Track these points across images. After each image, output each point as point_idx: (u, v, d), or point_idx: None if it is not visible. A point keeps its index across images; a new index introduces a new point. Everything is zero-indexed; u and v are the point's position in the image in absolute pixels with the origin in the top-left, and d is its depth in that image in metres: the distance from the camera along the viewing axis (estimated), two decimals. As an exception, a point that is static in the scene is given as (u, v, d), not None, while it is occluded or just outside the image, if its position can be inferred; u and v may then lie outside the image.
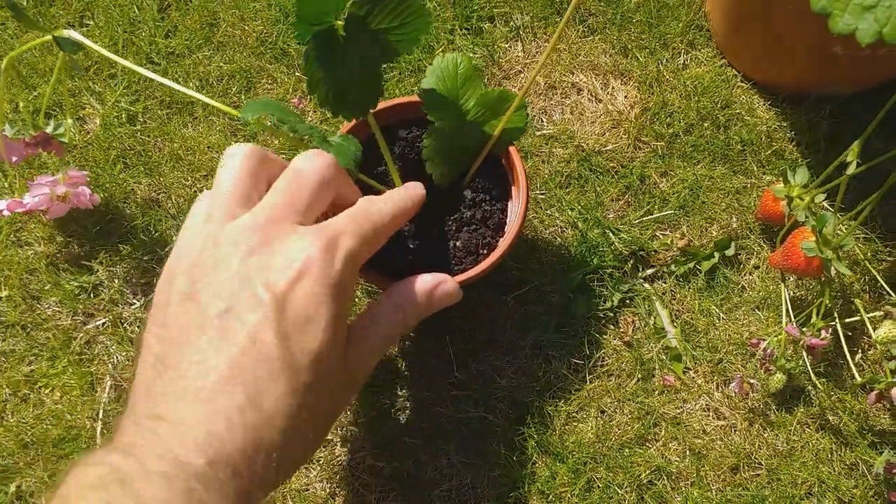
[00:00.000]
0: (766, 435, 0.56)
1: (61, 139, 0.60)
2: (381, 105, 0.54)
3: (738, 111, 0.67)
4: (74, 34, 0.54)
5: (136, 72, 0.71)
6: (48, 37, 0.53)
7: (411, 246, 0.53)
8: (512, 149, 0.54)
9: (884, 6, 0.37)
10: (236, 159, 0.41)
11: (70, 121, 0.61)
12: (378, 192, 0.54)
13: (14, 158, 0.58)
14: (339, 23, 0.44)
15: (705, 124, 0.67)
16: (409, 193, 0.47)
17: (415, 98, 0.54)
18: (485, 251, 0.53)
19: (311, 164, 0.42)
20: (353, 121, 0.54)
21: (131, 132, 0.68)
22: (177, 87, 0.50)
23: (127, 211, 0.65)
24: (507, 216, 0.55)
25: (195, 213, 0.40)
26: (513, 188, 0.55)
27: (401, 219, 0.45)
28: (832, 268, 0.52)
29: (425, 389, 0.58)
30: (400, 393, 0.58)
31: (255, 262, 0.37)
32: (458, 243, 0.53)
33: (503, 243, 0.52)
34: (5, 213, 0.58)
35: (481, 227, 0.54)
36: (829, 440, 0.56)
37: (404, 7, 0.45)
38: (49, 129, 0.59)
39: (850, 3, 0.38)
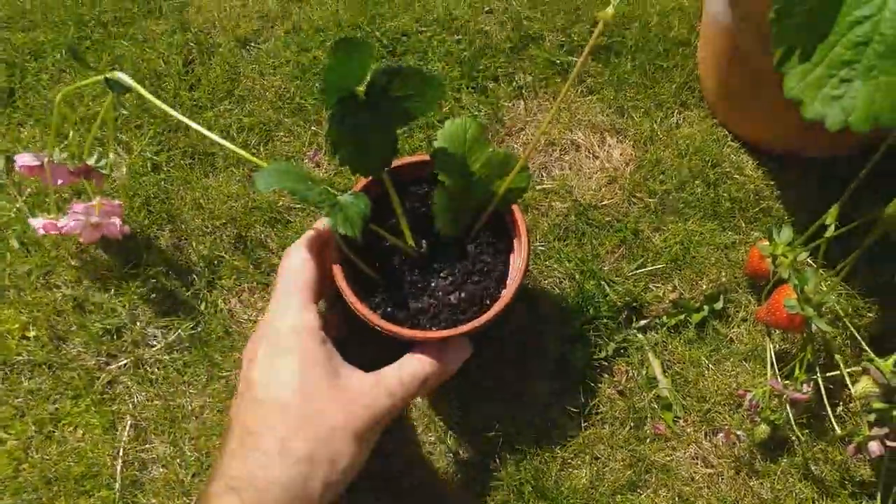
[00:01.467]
0: (751, 483, 0.59)
1: (102, 170, 0.65)
2: (395, 163, 0.58)
3: (727, 170, 0.71)
4: (124, 77, 0.60)
5: (161, 122, 0.76)
6: (100, 77, 0.59)
7: (418, 298, 0.57)
8: (514, 206, 0.58)
9: (849, 97, 0.41)
10: None
11: (112, 156, 0.66)
12: (390, 245, 0.57)
13: (59, 181, 0.63)
14: (360, 89, 0.49)
15: (696, 182, 0.70)
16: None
17: (425, 156, 0.58)
18: (488, 302, 0.56)
19: None
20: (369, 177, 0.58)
21: (156, 180, 0.72)
22: (210, 135, 0.55)
23: (151, 256, 0.68)
24: (508, 269, 0.58)
25: None
26: (515, 242, 0.58)
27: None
28: (813, 324, 0.56)
29: (428, 432, 0.61)
30: (403, 436, 0.61)
31: None
32: (462, 294, 0.57)
33: (506, 294, 0.55)
34: (40, 231, 0.62)
35: (484, 280, 0.57)
36: (812, 490, 0.58)
37: (421, 78, 0.50)
38: (91, 161, 0.65)
39: (819, 92, 0.42)
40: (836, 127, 0.42)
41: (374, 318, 0.53)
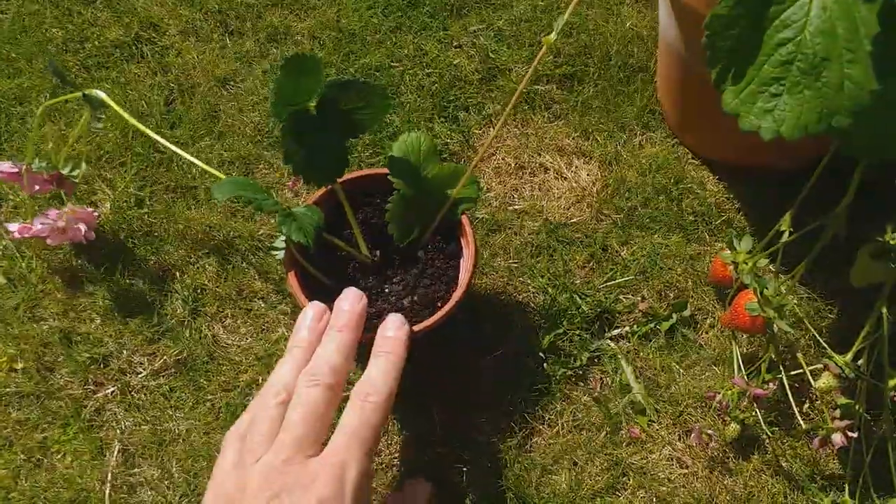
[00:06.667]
0: (725, 481, 0.61)
1: (74, 180, 0.70)
2: (349, 176, 0.62)
3: (690, 185, 0.75)
4: (101, 94, 0.63)
5: (144, 159, 0.78)
6: (79, 93, 0.63)
7: (372, 303, 0.59)
8: (463, 217, 0.61)
9: (780, 110, 0.45)
10: (270, 412, 0.47)
11: (85, 166, 0.71)
12: (344, 254, 0.60)
13: (37, 187, 0.68)
14: (311, 104, 0.52)
15: (660, 198, 0.74)
16: (397, 345, 0.52)
17: (377, 171, 0.62)
18: (440, 304, 0.59)
19: (320, 394, 0.47)
20: (324, 189, 0.61)
21: (139, 215, 0.74)
22: (197, 162, 0.57)
23: (135, 287, 0.70)
24: (458, 272, 0.61)
25: (226, 456, 0.46)
26: (463, 247, 0.61)
27: (398, 376, 0.50)
28: (774, 325, 0.58)
29: (410, 446, 0.63)
30: (386, 451, 0.63)
31: None
32: (415, 298, 0.59)
33: (455, 295, 0.58)
34: (16, 234, 0.67)
35: (435, 284, 0.60)
36: (783, 485, 0.60)
37: (368, 91, 0.54)
38: (65, 171, 0.69)
39: (753, 107, 0.46)
40: (770, 136, 0.46)
41: None
